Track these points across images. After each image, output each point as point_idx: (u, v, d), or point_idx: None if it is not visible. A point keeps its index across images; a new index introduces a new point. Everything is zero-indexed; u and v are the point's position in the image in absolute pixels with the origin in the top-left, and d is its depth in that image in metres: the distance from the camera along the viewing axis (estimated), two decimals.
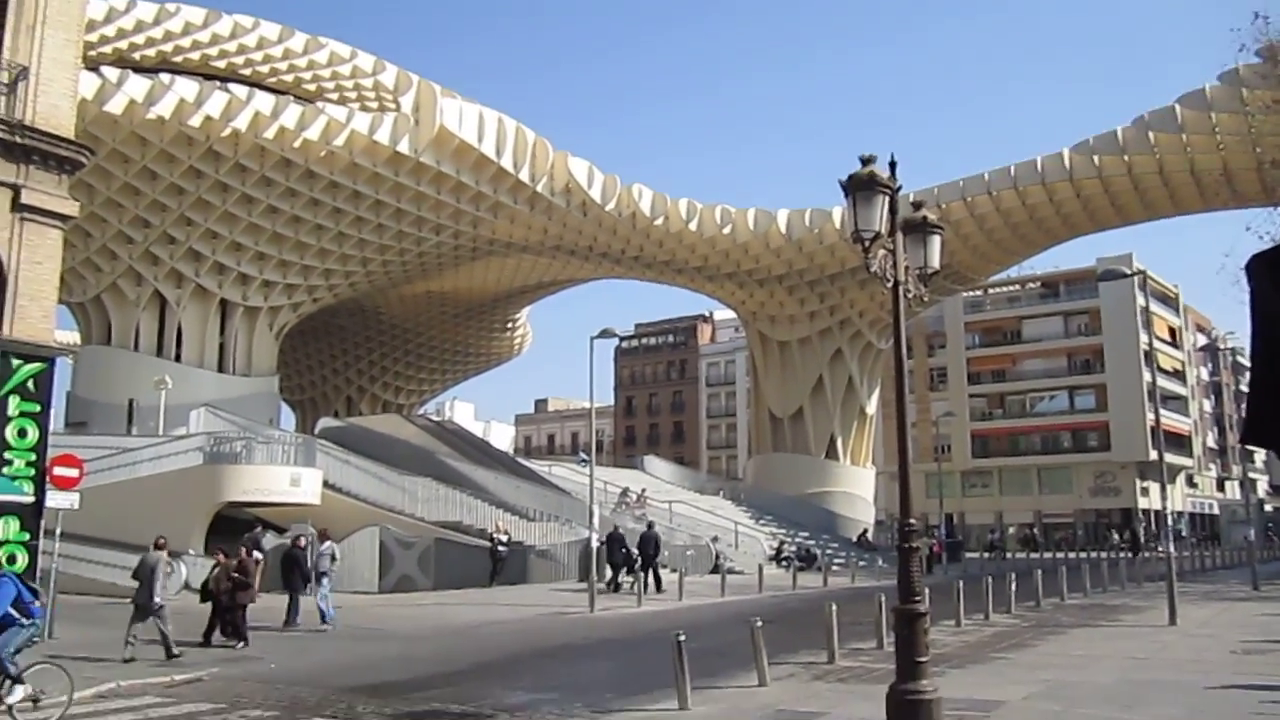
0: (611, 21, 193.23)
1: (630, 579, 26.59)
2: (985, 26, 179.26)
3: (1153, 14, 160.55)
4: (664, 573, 28.76)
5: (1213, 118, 36.85)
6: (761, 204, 47.51)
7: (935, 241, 10.23)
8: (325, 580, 19.80)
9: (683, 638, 9.96)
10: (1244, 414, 2.68)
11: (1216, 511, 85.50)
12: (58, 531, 17.19)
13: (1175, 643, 15.30)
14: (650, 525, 30.66)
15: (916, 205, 10.40)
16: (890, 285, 9.84)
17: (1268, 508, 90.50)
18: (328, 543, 20.75)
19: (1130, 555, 41.94)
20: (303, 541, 20.80)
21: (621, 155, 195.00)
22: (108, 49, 38.33)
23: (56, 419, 19.96)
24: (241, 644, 16.14)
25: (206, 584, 17.25)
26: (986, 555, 48.11)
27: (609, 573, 27.66)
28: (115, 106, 35.17)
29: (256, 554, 26.38)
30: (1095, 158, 40.74)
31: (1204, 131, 37.51)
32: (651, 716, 9.80)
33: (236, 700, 11.13)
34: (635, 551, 27.87)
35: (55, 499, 16.48)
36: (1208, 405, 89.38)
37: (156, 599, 14.94)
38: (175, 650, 14.62)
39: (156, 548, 15.95)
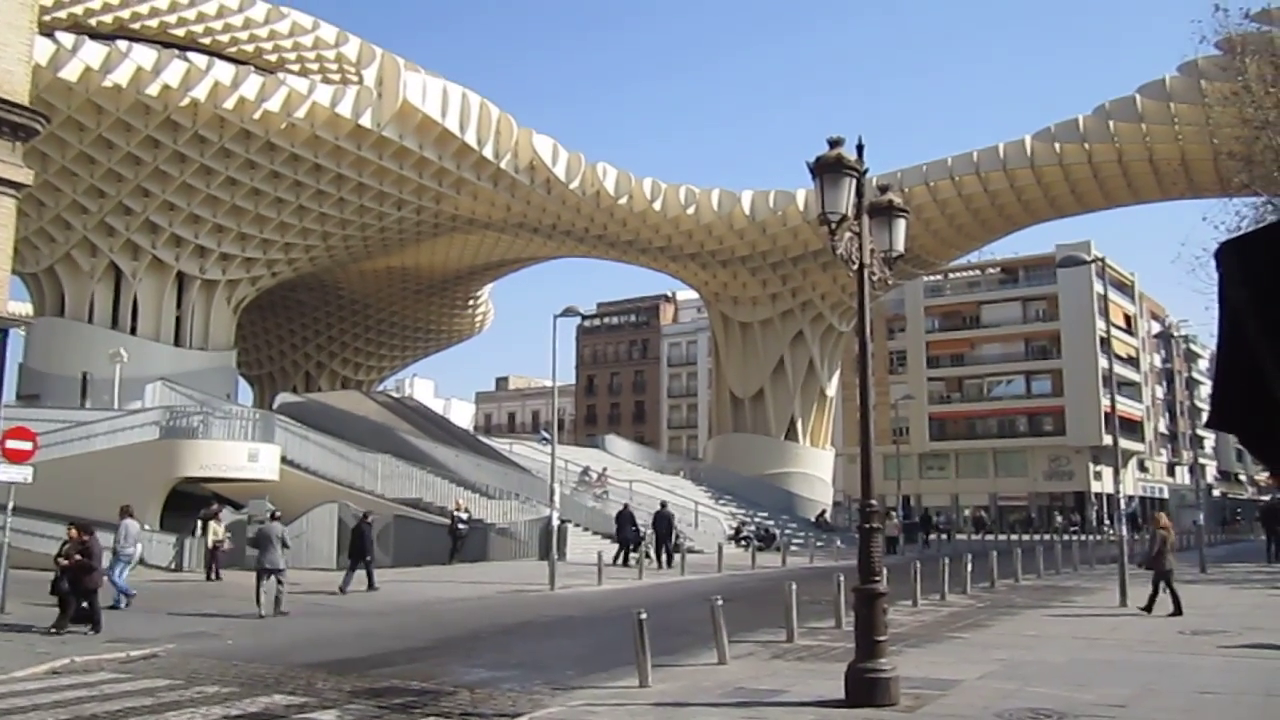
0: (575, 2, 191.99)
1: (638, 555, 27.42)
2: (950, 6, 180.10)
3: (1117, 2, 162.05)
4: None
5: (1172, 108, 37.32)
6: (725, 185, 47.40)
7: (900, 225, 10.29)
8: (121, 561, 19.11)
9: (644, 616, 10.00)
10: (1210, 400, 2.72)
11: (1166, 496, 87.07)
12: (9, 506, 16.91)
13: (1127, 624, 15.57)
14: (664, 505, 31.94)
15: (882, 189, 10.44)
16: (855, 268, 9.88)
17: (1216, 493, 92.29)
18: (129, 520, 19.70)
19: (1079, 537, 42.66)
20: (370, 518, 23.39)
21: (585, 137, 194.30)
22: (63, 14, 37.54)
23: (8, 391, 19.59)
24: (91, 629, 14.60)
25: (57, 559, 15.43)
26: (936, 538, 48.52)
27: (618, 548, 29.30)
28: (70, 73, 34.49)
29: (217, 530, 26.38)
30: (1056, 145, 41.15)
31: (1163, 121, 37.98)
32: (612, 693, 9.84)
33: (193, 676, 11.04)
34: (646, 529, 29.88)
35: (7, 472, 16.22)
36: (1160, 391, 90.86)
37: (278, 565, 17.78)
38: (285, 608, 17.49)
39: (273, 519, 19.57)
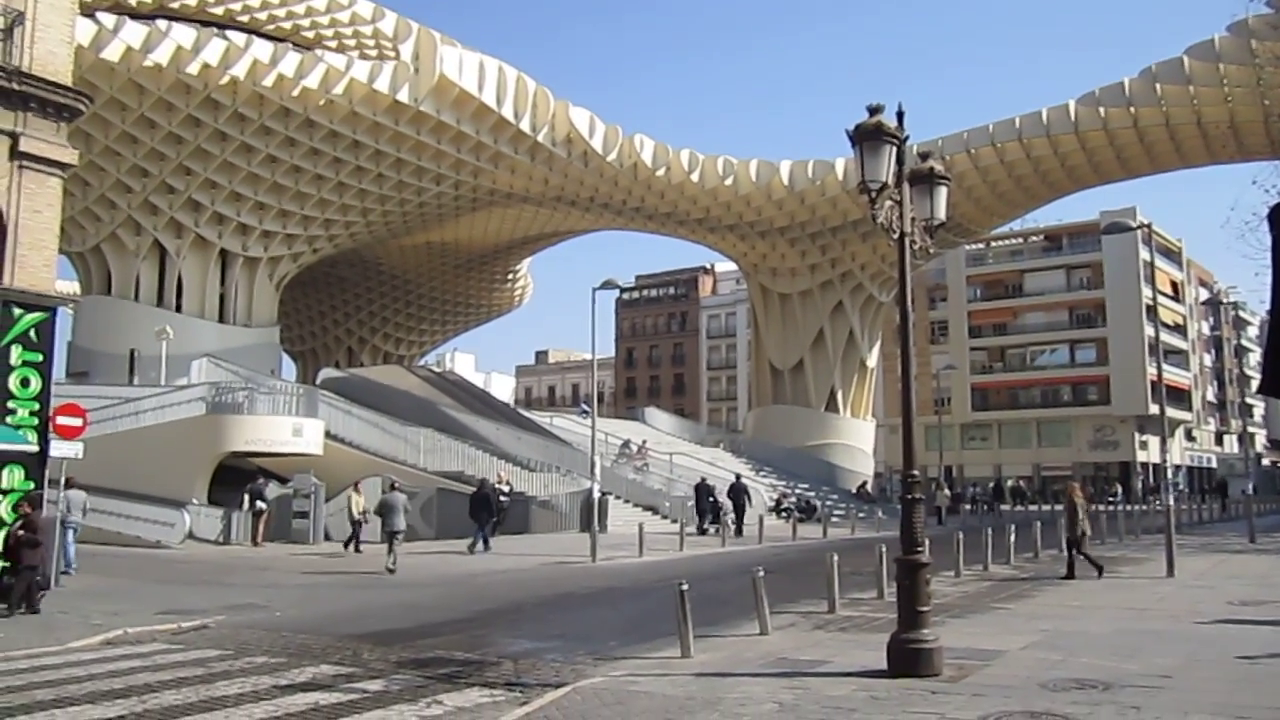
0: None
1: (715, 526, 30.20)
2: None
3: None
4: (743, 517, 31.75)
5: (1221, 69, 36.44)
6: (763, 157, 47.00)
7: (942, 193, 10.16)
8: (69, 528, 18.86)
9: (685, 587, 10.03)
10: (1261, 365, 2.67)
11: (1215, 465, 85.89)
12: (62, 480, 17.25)
13: (1173, 594, 15.41)
14: (738, 477, 34.09)
15: (923, 156, 10.29)
16: (896, 237, 9.78)
17: (1265, 462, 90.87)
18: (73, 490, 19.27)
19: (1124, 507, 42.32)
20: (493, 482, 27.61)
21: (623, 112, 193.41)
22: None
23: (58, 369, 19.93)
24: (25, 609, 13.80)
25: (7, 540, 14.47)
26: (969, 509, 48.28)
27: (697, 518, 31.32)
28: (112, 53, 34.79)
29: (259, 504, 26.84)
30: (1101, 110, 40.36)
31: (1212, 83, 37.11)
32: (655, 663, 9.89)
33: (243, 647, 11.24)
34: (724, 500, 31.83)
35: (59, 448, 16.50)
36: (1208, 359, 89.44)
37: (399, 528, 20.42)
38: (393, 566, 19.76)
39: (393, 489, 22.10)
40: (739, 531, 30.28)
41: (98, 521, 25.14)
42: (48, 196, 16.45)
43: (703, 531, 30.45)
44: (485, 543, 24.69)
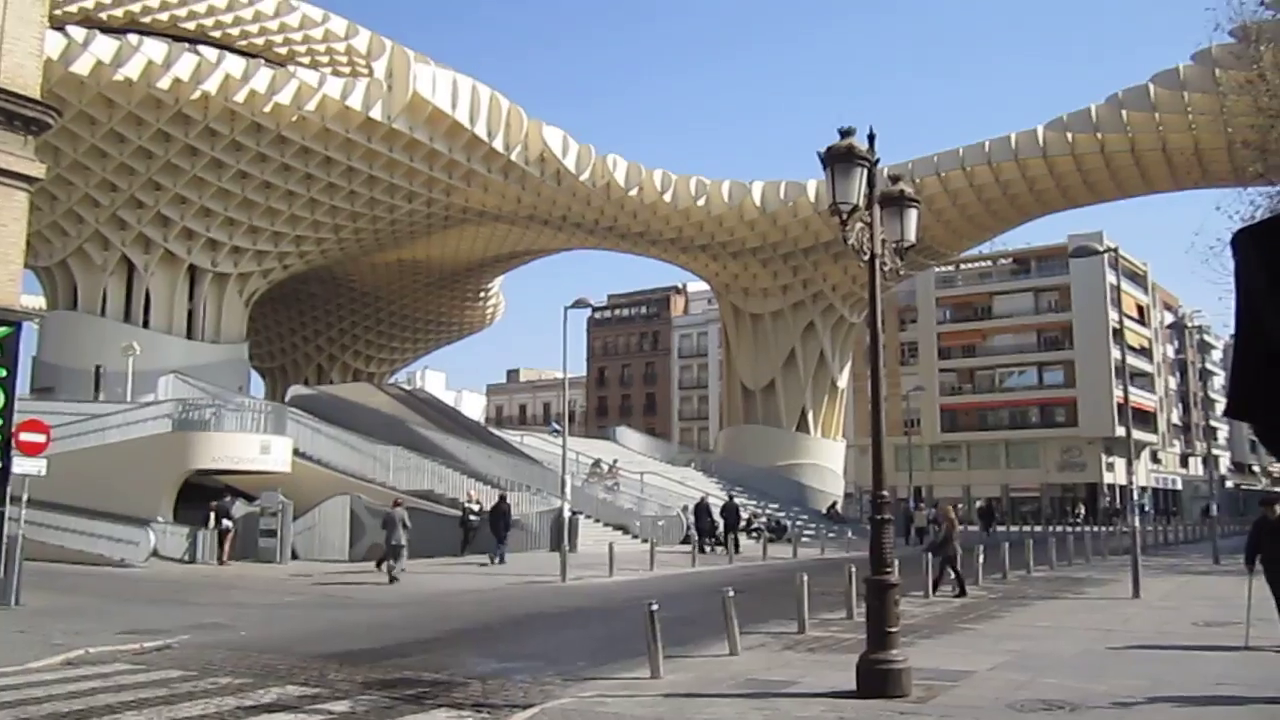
0: None
1: (718, 545, 31.76)
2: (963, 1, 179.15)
3: None
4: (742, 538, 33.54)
5: (1185, 97, 37.06)
6: (736, 177, 47.31)
7: (912, 215, 10.24)
8: None
9: (655, 607, 10.01)
10: (1227, 388, 2.70)
11: (1179, 487, 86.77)
12: (24, 498, 16.99)
13: (1139, 615, 15.53)
14: (731, 497, 35.56)
15: (894, 179, 10.39)
16: (867, 259, 9.85)
17: (1229, 484, 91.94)
18: None
19: (1089, 528, 42.63)
20: (509, 500, 28.41)
21: (593, 132, 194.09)
22: (74, 8, 37.64)
23: (22, 384, 19.67)
24: None
25: None
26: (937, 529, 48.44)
27: (697, 537, 31.81)
28: (82, 67, 34.56)
29: (226, 522, 26.56)
30: (1069, 135, 40.92)
31: (1177, 110, 37.73)
32: (624, 684, 9.84)
33: (207, 667, 11.08)
34: (719, 519, 32.79)
35: (21, 465, 16.28)
36: (1173, 382, 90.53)
37: (401, 542, 21.74)
38: (398, 575, 21.46)
39: (395, 505, 23.05)
40: (737, 549, 31.22)
41: (60, 539, 24.84)
42: (14, 210, 16.29)
43: (703, 550, 30.93)
44: (498, 554, 26.34)
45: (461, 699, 9.38)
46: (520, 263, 62.08)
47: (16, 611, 15.88)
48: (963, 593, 18.09)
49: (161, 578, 22.98)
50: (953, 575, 18.47)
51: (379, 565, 24.04)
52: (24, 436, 16.29)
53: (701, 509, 33.12)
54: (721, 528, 32.49)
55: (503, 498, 28.32)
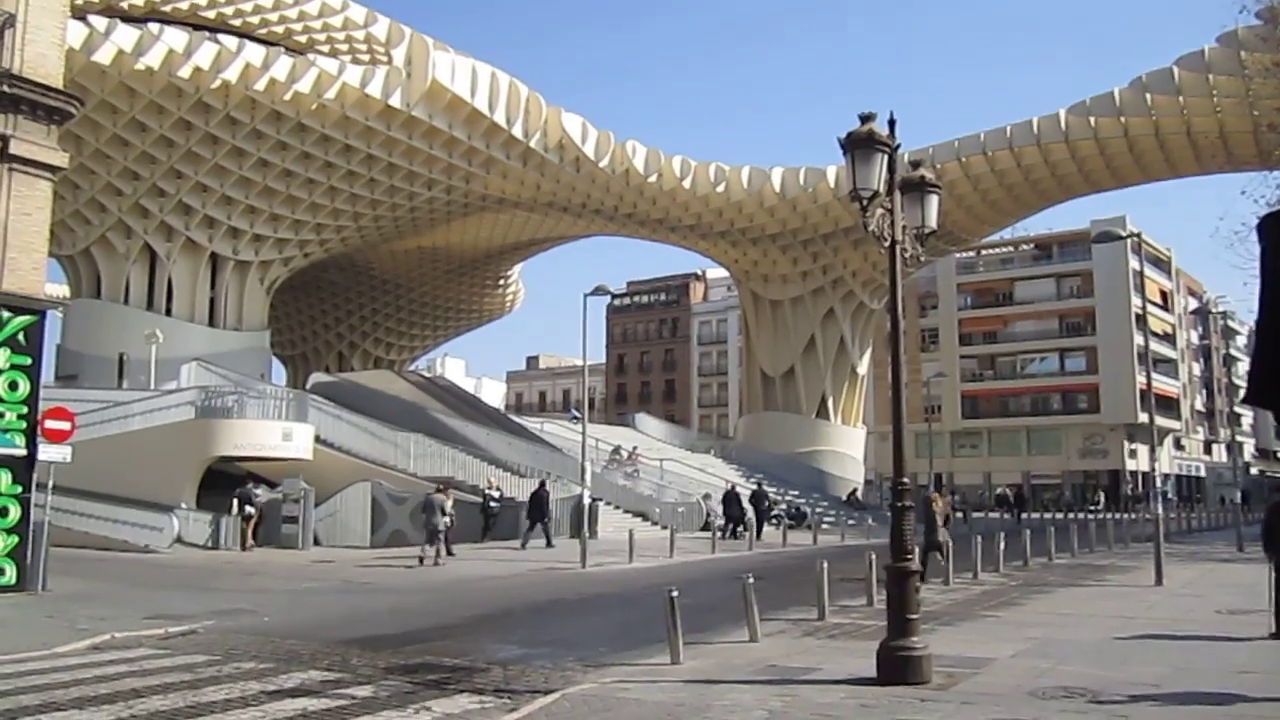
0: None
1: (743, 530, 31.75)
2: None
3: None
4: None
5: (1210, 80, 36.63)
6: (755, 164, 47.15)
7: (933, 201, 10.19)
8: None
9: (675, 593, 10.03)
10: (1249, 375, 2.69)
11: (1203, 474, 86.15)
12: (50, 485, 17.17)
13: (1161, 602, 15.45)
14: (759, 484, 36.68)
15: (914, 164, 10.34)
16: (887, 245, 9.80)
17: (1254, 471, 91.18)
18: None
19: (1110, 515, 42.45)
20: (548, 486, 28.22)
21: (615, 118, 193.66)
22: None
23: (47, 372, 19.86)
24: None
25: None
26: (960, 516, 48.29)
27: (721, 523, 32.10)
28: (103, 56, 34.72)
29: (249, 508, 26.76)
30: (1091, 119, 40.54)
31: (1201, 94, 37.30)
32: (644, 670, 9.87)
33: (230, 652, 11.18)
34: (750, 507, 33.14)
35: (47, 452, 16.44)
36: (1197, 368, 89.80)
37: (439, 527, 22.62)
38: (443, 560, 22.39)
39: (439, 491, 23.62)
40: (759, 535, 31.64)
41: (85, 525, 25.08)
42: (37, 199, 16.42)
43: (735, 536, 31.58)
44: (547, 539, 26.68)
45: (483, 684, 9.43)
46: (539, 250, 62.11)
47: (43, 597, 16.06)
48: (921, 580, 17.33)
49: (185, 564, 23.20)
50: (936, 556, 18.06)
51: (435, 552, 23.14)
52: (49, 424, 16.45)
53: (731, 497, 33.45)
54: (752, 514, 32.95)
55: (542, 484, 28.48)
